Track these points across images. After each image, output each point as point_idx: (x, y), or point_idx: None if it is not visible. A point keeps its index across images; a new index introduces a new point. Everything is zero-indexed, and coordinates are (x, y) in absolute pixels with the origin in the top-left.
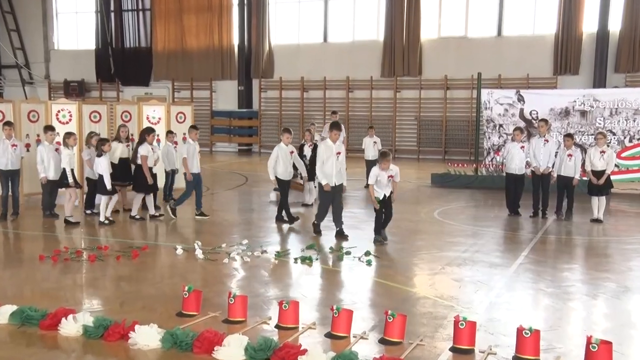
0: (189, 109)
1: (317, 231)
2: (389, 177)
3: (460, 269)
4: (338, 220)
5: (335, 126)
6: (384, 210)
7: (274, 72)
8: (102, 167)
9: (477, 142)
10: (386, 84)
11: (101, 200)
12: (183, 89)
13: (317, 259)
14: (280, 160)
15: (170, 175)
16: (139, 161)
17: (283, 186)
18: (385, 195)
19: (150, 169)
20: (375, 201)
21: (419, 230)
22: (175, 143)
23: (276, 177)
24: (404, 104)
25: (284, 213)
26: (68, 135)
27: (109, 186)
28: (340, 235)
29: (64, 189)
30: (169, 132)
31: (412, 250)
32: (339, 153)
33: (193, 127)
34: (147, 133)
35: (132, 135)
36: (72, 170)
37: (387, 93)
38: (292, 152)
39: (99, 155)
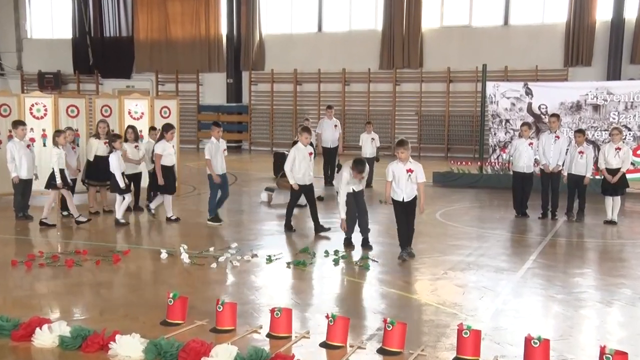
0: (174, 103)
1: (350, 244)
2: (407, 171)
3: (464, 273)
4: (364, 228)
5: (357, 166)
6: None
7: (265, 64)
8: (113, 165)
9: (482, 139)
10: (385, 76)
11: (116, 199)
12: (167, 82)
13: (311, 264)
14: (297, 163)
15: (153, 175)
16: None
17: (299, 192)
18: (403, 199)
19: (170, 168)
20: (389, 197)
21: (420, 232)
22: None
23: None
24: (404, 98)
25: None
26: (58, 133)
27: (121, 184)
28: (365, 246)
29: (50, 189)
30: (152, 129)
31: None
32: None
33: (216, 124)
34: (166, 130)
35: (112, 130)
36: (62, 170)
37: (385, 86)
38: (311, 154)
39: (110, 152)
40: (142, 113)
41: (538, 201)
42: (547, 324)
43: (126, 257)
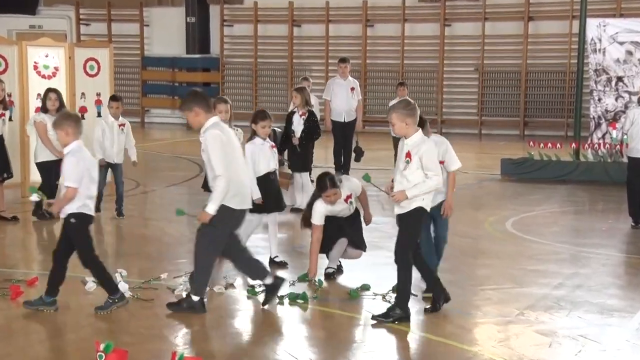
0: (106, 53)
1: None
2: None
3: (551, 315)
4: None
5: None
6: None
7: None
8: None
9: (579, 108)
10: (428, 12)
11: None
12: (95, 21)
13: (315, 298)
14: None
15: (104, 171)
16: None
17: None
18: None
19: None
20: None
21: (481, 251)
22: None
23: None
24: (457, 46)
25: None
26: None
27: (255, 195)
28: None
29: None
30: (113, 99)
31: (471, 285)
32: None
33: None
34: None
35: (9, 95)
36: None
37: (429, 28)
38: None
39: (250, 139)
40: (56, 68)
41: None
42: None
43: (31, 290)
